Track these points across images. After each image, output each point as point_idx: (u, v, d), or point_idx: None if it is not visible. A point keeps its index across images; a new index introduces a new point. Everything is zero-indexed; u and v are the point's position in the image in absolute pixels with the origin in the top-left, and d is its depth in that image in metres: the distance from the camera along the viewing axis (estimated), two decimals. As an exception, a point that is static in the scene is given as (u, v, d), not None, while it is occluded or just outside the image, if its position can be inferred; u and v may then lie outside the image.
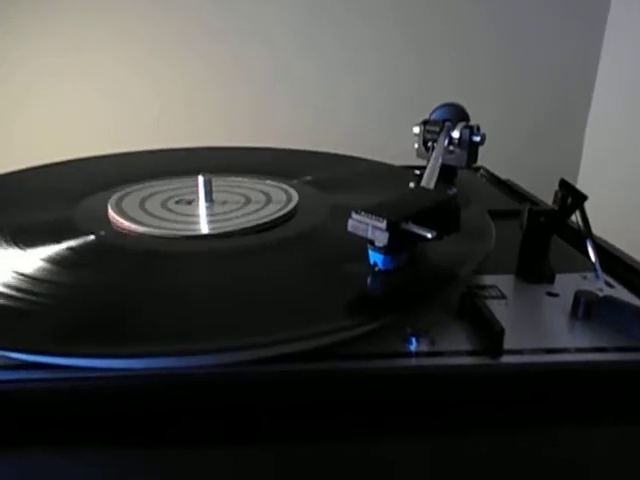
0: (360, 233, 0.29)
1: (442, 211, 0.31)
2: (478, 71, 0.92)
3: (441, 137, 0.46)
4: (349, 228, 0.29)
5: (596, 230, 0.39)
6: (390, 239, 0.28)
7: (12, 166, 0.52)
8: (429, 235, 0.28)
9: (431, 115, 0.49)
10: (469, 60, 0.91)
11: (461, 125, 0.46)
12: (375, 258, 0.30)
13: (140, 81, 0.87)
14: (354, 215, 0.29)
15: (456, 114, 0.48)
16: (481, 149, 0.46)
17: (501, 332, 0.27)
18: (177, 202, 0.41)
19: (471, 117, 0.49)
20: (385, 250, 0.29)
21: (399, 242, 0.29)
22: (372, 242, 0.29)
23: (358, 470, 0.22)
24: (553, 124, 0.96)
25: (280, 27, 0.87)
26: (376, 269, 0.30)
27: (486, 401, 0.25)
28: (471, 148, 0.46)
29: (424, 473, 0.22)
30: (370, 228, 0.28)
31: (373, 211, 0.29)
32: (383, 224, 0.28)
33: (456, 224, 0.32)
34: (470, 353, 0.27)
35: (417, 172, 0.47)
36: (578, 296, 0.30)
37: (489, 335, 0.27)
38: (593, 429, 0.25)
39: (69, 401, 0.24)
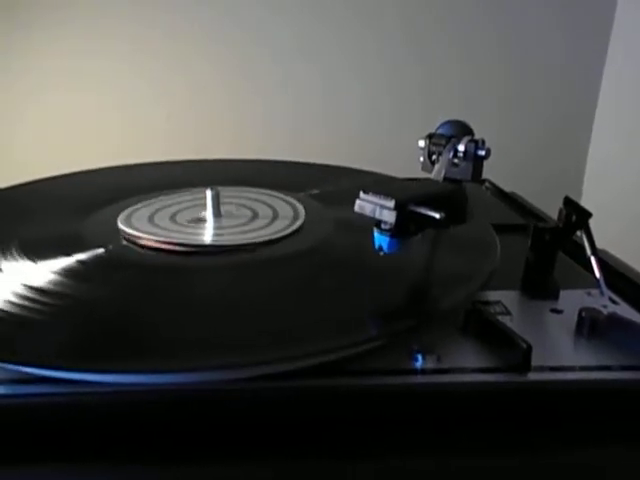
0: (367, 213, 0.28)
1: (449, 199, 0.31)
2: (484, 82, 0.93)
3: (446, 150, 0.46)
4: (356, 208, 0.29)
5: (601, 239, 0.38)
6: (397, 219, 0.27)
7: (16, 176, 0.52)
8: (437, 216, 0.27)
9: (436, 130, 0.49)
10: (475, 70, 0.92)
11: (466, 139, 0.46)
12: (380, 241, 0.29)
13: (147, 89, 0.88)
14: (362, 195, 0.29)
15: (461, 130, 0.48)
16: (486, 161, 0.46)
17: (529, 348, 0.26)
18: (186, 216, 0.41)
19: (475, 127, 0.49)
20: (391, 232, 0.28)
21: (406, 224, 0.28)
22: (378, 224, 0.29)
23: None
24: (558, 133, 0.96)
25: (286, 37, 0.88)
26: (381, 253, 0.29)
27: (494, 419, 0.26)
28: (476, 162, 0.46)
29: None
30: (378, 208, 0.28)
31: (381, 191, 0.28)
32: (391, 203, 0.27)
33: (462, 215, 0.31)
34: (482, 370, 0.27)
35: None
36: (582, 313, 0.31)
37: (513, 352, 0.27)
38: (596, 447, 0.25)
39: (72, 416, 0.25)
